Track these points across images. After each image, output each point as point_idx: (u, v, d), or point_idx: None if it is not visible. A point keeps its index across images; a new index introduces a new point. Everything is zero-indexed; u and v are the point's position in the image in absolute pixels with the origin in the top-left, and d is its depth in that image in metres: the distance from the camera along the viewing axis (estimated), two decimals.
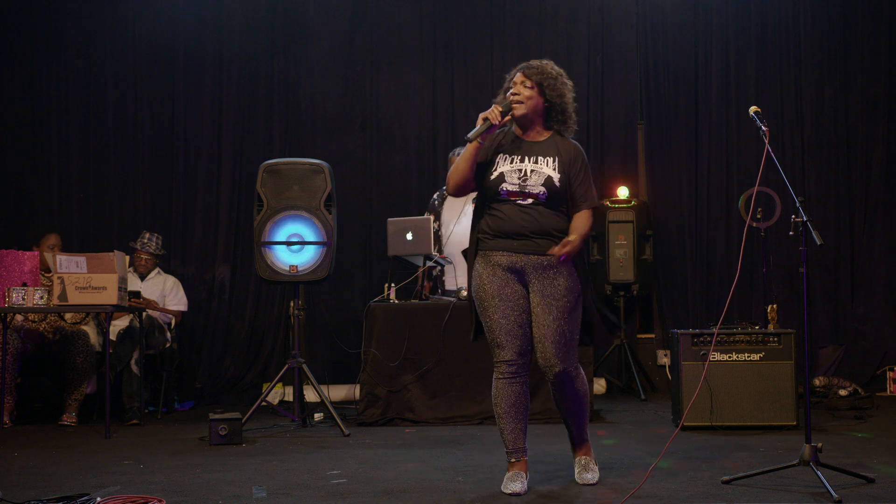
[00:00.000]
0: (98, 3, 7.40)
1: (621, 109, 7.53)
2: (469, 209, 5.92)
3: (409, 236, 5.60)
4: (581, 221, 3.58)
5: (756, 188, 4.78)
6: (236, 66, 7.45)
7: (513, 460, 3.62)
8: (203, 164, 7.39)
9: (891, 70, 7.36)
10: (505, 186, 3.56)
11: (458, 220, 5.90)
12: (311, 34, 7.48)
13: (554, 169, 3.56)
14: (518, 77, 3.60)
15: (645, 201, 7.35)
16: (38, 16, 7.34)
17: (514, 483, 3.55)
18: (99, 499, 3.42)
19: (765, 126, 3.78)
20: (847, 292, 7.26)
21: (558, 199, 3.57)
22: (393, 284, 5.76)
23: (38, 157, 7.33)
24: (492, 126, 3.54)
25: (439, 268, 5.92)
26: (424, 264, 5.80)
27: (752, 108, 3.90)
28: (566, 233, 3.55)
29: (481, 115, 3.53)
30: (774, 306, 5.38)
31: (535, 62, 3.63)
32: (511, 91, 3.58)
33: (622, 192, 7.16)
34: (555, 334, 3.51)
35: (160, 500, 3.41)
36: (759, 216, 6.21)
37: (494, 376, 3.60)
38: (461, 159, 3.57)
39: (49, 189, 7.31)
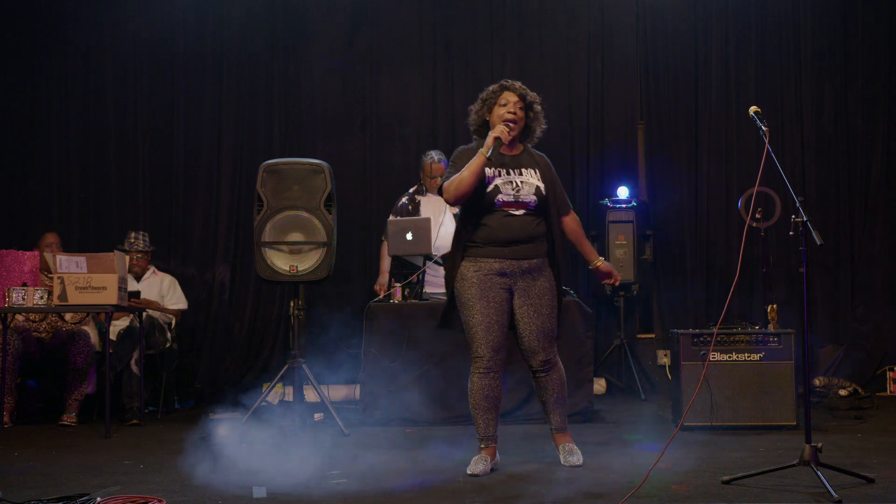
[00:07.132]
0: (98, 3, 7.40)
1: (621, 109, 7.52)
2: (449, 215, 5.93)
3: (409, 236, 5.59)
4: (578, 226, 4.19)
5: (756, 188, 4.77)
6: (236, 66, 7.45)
7: (482, 446, 4.02)
8: (203, 164, 7.39)
9: (891, 70, 7.36)
10: (501, 197, 3.93)
11: (442, 223, 5.92)
12: (311, 34, 7.47)
13: (539, 179, 4.01)
14: (511, 97, 3.98)
15: (645, 201, 7.34)
16: (38, 16, 7.34)
17: (478, 465, 3.94)
18: (99, 499, 3.42)
19: (765, 126, 3.78)
20: (847, 292, 7.26)
21: (544, 207, 4.00)
22: (398, 284, 5.74)
23: (38, 157, 7.34)
24: (501, 143, 3.90)
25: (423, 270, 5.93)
26: (424, 264, 5.80)
27: (752, 109, 3.90)
28: (546, 237, 4.01)
29: (492, 134, 3.87)
30: (774, 306, 5.37)
31: (517, 83, 4.01)
32: (508, 110, 3.95)
33: (622, 192, 7.16)
34: (539, 329, 3.98)
35: (160, 500, 3.41)
36: (759, 216, 6.20)
37: (470, 370, 4.00)
38: (470, 173, 3.85)
39: (49, 189, 7.32)
